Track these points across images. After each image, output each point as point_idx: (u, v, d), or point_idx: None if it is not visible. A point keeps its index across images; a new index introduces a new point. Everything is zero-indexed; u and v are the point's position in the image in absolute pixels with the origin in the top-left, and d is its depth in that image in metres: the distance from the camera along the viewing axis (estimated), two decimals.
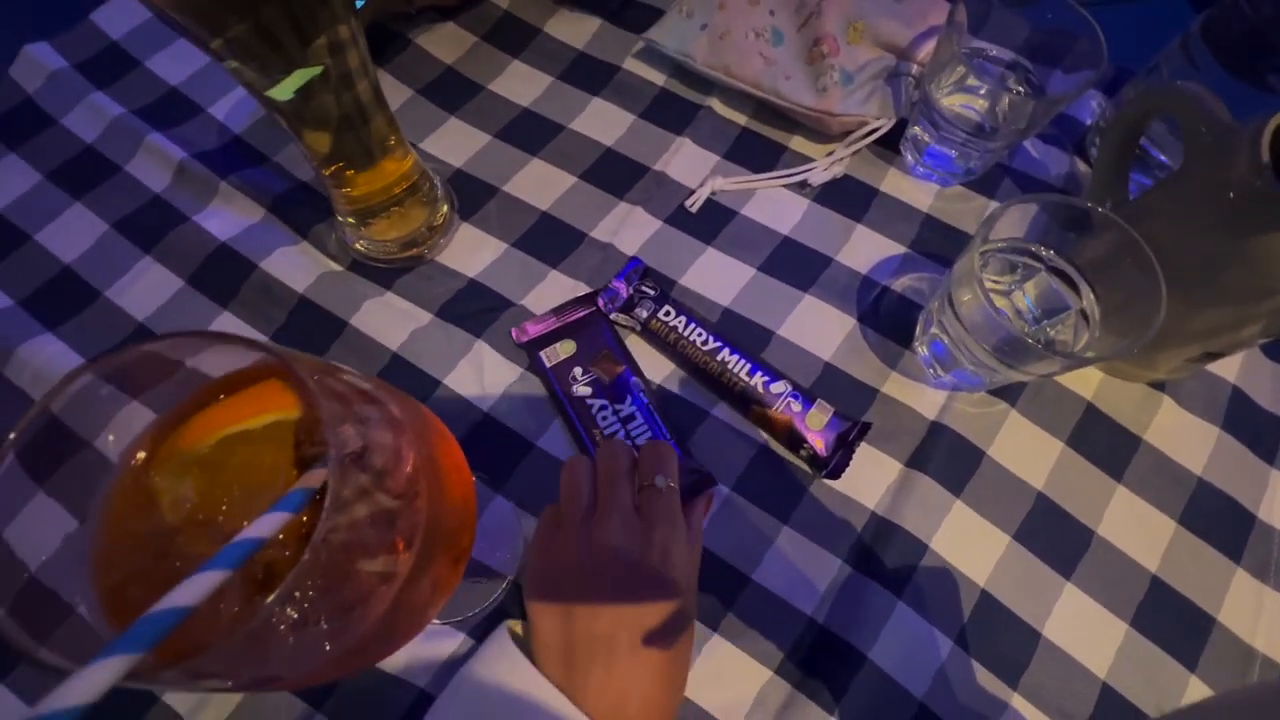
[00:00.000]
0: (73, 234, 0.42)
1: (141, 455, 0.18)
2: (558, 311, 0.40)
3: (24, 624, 0.15)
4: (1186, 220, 0.34)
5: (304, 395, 0.15)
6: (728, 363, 0.38)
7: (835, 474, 0.36)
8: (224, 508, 0.19)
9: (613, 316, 0.40)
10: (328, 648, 0.17)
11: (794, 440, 0.37)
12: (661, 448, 0.33)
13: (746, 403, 0.38)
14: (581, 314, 0.40)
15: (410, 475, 0.18)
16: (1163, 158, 0.43)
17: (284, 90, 0.29)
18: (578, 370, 0.38)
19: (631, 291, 0.40)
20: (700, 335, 0.39)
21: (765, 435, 0.38)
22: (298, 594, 0.16)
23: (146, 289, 0.40)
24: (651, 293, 0.40)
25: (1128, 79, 0.47)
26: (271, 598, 0.14)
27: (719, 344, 0.39)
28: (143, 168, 0.44)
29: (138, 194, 0.43)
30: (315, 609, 0.17)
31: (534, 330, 0.39)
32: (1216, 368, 0.41)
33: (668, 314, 0.40)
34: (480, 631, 0.33)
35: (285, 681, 0.18)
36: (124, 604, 0.17)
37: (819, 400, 0.38)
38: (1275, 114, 0.30)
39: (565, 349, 0.39)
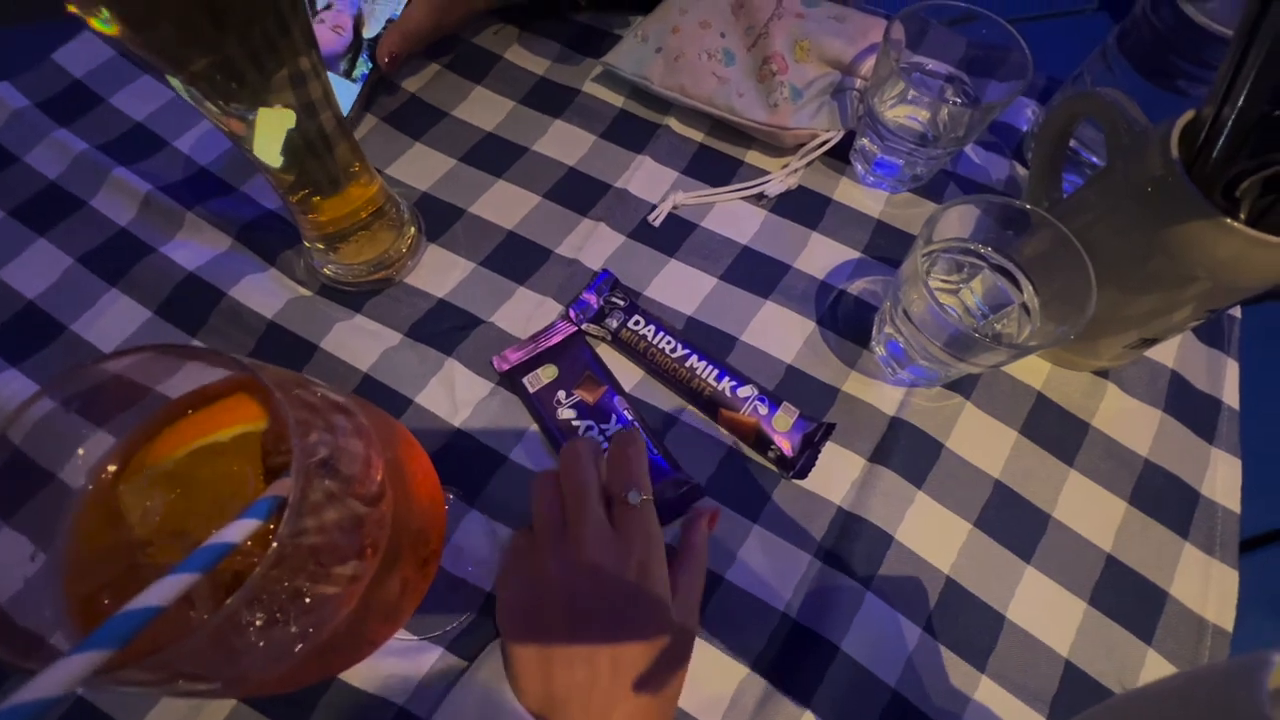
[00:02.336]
0: (37, 269, 0.42)
1: (111, 469, 0.19)
2: (536, 338, 0.41)
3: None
4: (1114, 214, 0.36)
5: (269, 402, 0.16)
6: (696, 369, 0.39)
7: (802, 474, 0.38)
8: (194, 519, 0.19)
9: (584, 327, 0.41)
10: (297, 648, 0.18)
11: (761, 442, 0.38)
12: (627, 455, 0.32)
13: (715, 407, 0.39)
14: (559, 338, 0.41)
15: (376, 478, 0.19)
16: (1092, 158, 0.46)
17: (268, 151, 0.30)
18: (561, 394, 0.39)
19: (602, 303, 0.42)
20: (669, 343, 0.40)
21: (733, 438, 0.39)
22: (264, 595, 0.16)
23: (113, 321, 0.40)
24: (621, 303, 0.42)
25: (1057, 87, 0.50)
26: (235, 596, 0.15)
27: (687, 351, 0.40)
28: (108, 202, 0.44)
29: (103, 228, 0.43)
30: (283, 609, 0.17)
31: (515, 358, 0.40)
32: (1155, 354, 0.43)
33: (637, 323, 0.41)
34: (458, 645, 0.33)
35: (255, 683, 0.18)
36: (95, 615, 0.18)
37: (784, 403, 0.39)
38: (1182, 115, 0.33)
39: (547, 374, 0.40)
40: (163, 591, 0.14)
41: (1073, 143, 0.45)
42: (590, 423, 0.38)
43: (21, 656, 0.17)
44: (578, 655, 0.28)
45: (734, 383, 0.39)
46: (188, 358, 0.17)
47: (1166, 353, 0.43)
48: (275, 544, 0.15)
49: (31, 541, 0.19)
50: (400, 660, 0.33)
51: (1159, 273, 0.35)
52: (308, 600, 0.18)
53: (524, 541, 0.32)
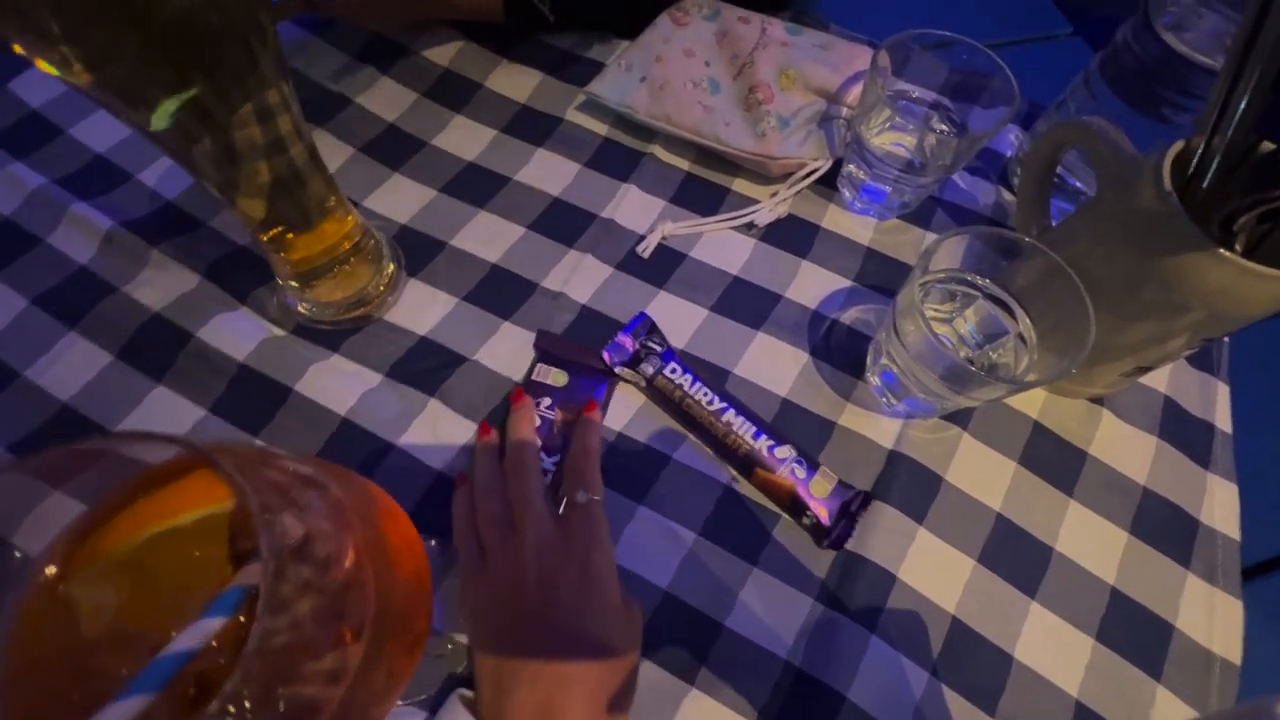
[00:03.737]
0: None
1: (54, 564, 0.17)
2: (583, 346, 0.40)
3: None
4: (1105, 243, 0.36)
5: (232, 487, 0.14)
6: (733, 424, 0.38)
7: (838, 544, 0.36)
8: (153, 615, 0.17)
9: (618, 370, 0.39)
10: None
11: (796, 507, 0.36)
12: (585, 450, 0.34)
13: (750, 466, 0.37)
14: (595, 363, 0.39)
15: (355, 561, 0.17)
16: (1079, 184, 0.46)
17: (159, 119, 0.27)
18: (547, 400, 0.38)
19: (638, 346, 0.40)
20: (706, 395, 0.38)
21: (765, 498, 0.38)
22: (233, 709, 0.15)
23: (71, 367, 0.38)
24: (658, 349, 0.40)
25: (1039, 113, 0.50)
26: (205, 715, 0.13)
27: (724, 405, 0.38)
28: (66, 239, 0.42)
29: (61, 266, 0.41)
30: (257, 718, 0.15)
31: (554, 344, 0.40)
32: (1148, 380, 0.43)
33: (674, 371, 0.39)
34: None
35: None
36: None
37: (823, 468, 0.37)
38: (1173, 145, 0.33)
39: (557, 378, 0.39)
40: None
41: (1059, 169, 0.45)
42: (539, 451, 0.37)
43: None
44: (525, 667, 0.28)
45: (771, 442, 0.37)
46: (137, 442, 0.16)
47: (1159, 378, 0.43)
48: (247, 652, 0.14)
49: None
50: None
51: (1153, 302, 0.35)
52: (284, 708, 0.16)
53: (473, 552, 0.32)
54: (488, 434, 0.37)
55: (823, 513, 0.36)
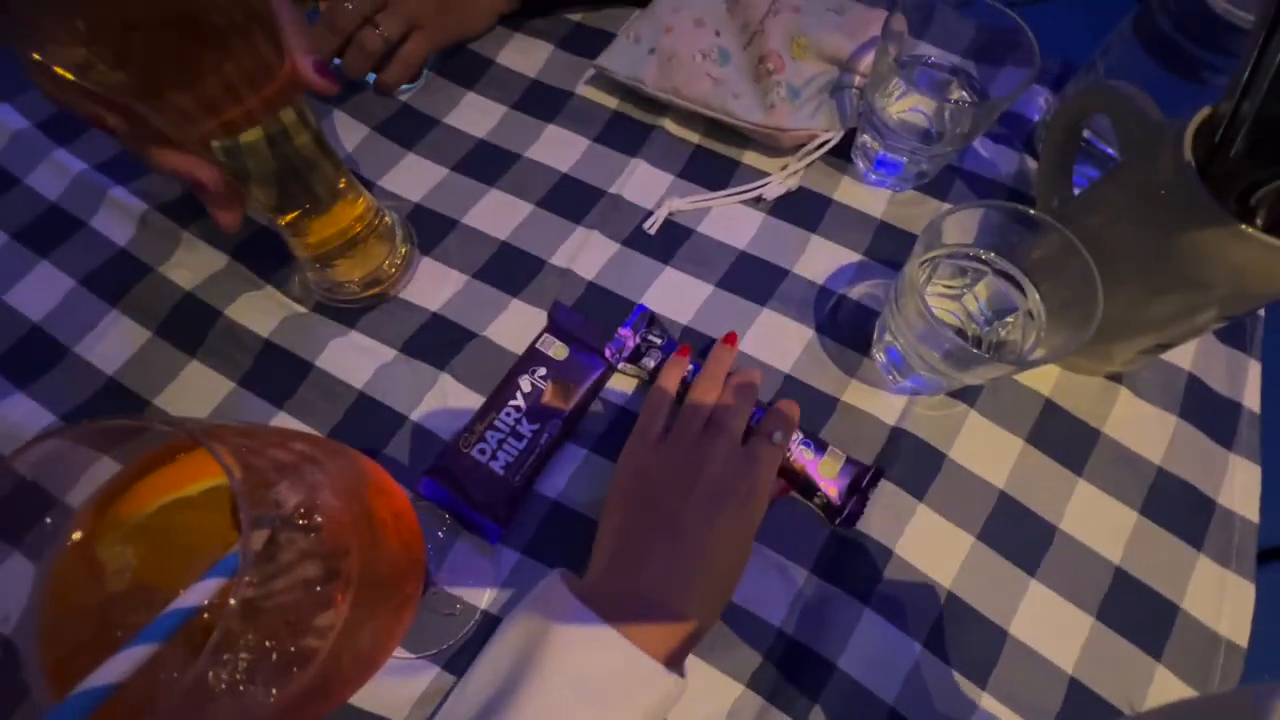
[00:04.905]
0: (40, 292, 0.42)
1: (81, 528, 0.19)
2: (594, 326, 0.41)
3: None
4: (1127, 214, 0.35)
5: (221, 465, 0.16)
6: None
7: (850, 522, 0.36)
8: (168, 574, 0.19)
9: (621, 368, 0.40)
10: (269, 703, 0.18)
11: (808, 488, 0.37)
12: (789, 412, 0.36)
13: None
14: (601, 347, 0.40)
15: (340, 531, 0.19)
16: (1108, 150, 0.44)
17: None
18: (542, 371, 0.39)
19: (639, 340, 0.40)
20: None
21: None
22: (228, 656, 0.16)
23: (115, 342, 0.41)
24: (658, 341, 0.40)
25: (1072, 74, 0.48)
26: (197, 664, 0.15)
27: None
28: (106, 222, 0.44)
29: (102, 249, 0.44)
30: (250, 668, 0.17)
31: (565, 318, 0.41)
32: (1171, 356, 0.41)
33: None
34: (454, 663, 0.34)
35: None
36: (72, 675, 0.18)
37: (830, 447, 0.37)
38: (1197, 113, 0.31)
39: (558, 351, 0.40)
40: (117, 667, 0.14)
41: (1087, 133, 0.43)
42: (520, 408, 0.38)
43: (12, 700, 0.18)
44: (661, 528, 0.31)
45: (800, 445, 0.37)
46: (145, 429, 0.17)
47: (1183, 355, 0.42)
48: (229, 607, 0.15)
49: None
50: (398, 678, 0.34)
51: (1174, 277, 0.34)
52: (275, 657, 0.18)
53: (658, 424, 0.36)
54: (684, 354, 0.39)
55: (833, 491, 0.36)
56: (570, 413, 0.38)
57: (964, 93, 0.44)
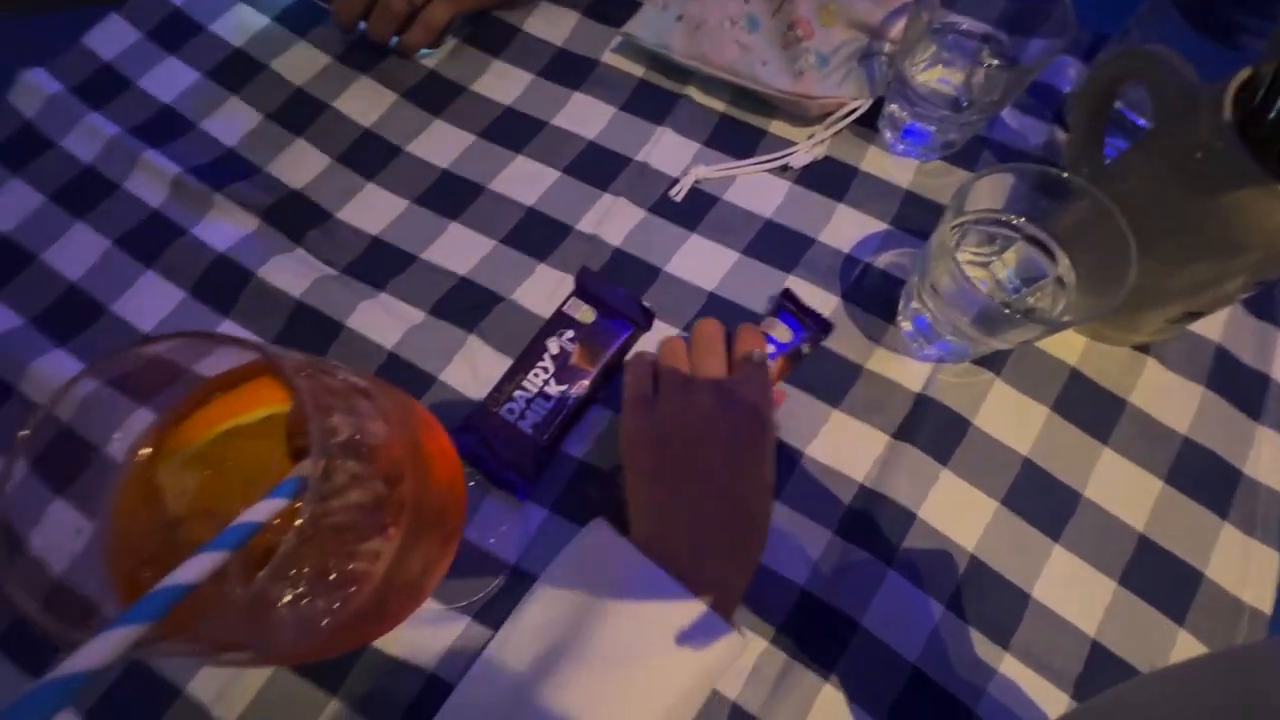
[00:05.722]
0: (77, 252, 0.43)
1: (145, 451, 0.19)
2: (620, 290, 0.41)
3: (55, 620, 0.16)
4: (1160, 181, 0.34)
5: (289, 389, 0.16)
6: None
7: (827, 329, 0.41)
8: (225, 498, 0.20)
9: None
10: (324, 622, 0.19)
11: (794, 358, 0.39)
12: (746, 331, 0.37)
13: None
14: (630, 314, 0.40)
15: (394, 459, 0.19)
16: (1139, 120, 0.44)
17: None
18: (569, 334, 0.39)
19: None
20: None
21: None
22: (290, 572, 0.17)
23: (150, 302, 0.42)
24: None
25: (1104, 44, 0.47)
26: (262, 573, 0.16)
27: None
28: (140, 184, 0.45)
29: (137, 210, 0.44)
30: (309, 585, 0.18)
31: (592, 283, 0.41)
32: (1199, 327, 0.41)
33: None
34: (485, 614, 0.34)
35: (286, 655, 0.19)
36: (137, 589, 0.19)
37: (765, 333, 0.39)
38: (1237, 74, 0.31)
39: (585, 314, 0.40)
40: (194, 569, 0.15)
41: (1118, 103, 0.43)
42: (550, 370, 0.39)
43: (74, 627, 0.18)
44: (687, 483, 0.32)
45: None
46: (216, 344, 0.18)
47: (1212, 326, 0.41)
48: (298, 524, 0.16)
49: (79, 514, 0.20)
50: (430, 628, 0.34)
51: (1207, 242, 0.34)
52: (333, 577, 0.18)
53: (640, 388, 0.35)
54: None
55: (789, 336, 0.40)
56: (596, 375, 0.39)
57: (995, 61, 0.44)
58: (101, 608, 0.19)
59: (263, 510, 0.17)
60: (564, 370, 0.39)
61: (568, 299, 0.41)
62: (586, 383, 0.38)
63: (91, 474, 0.20)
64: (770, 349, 0.39)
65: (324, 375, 0.19)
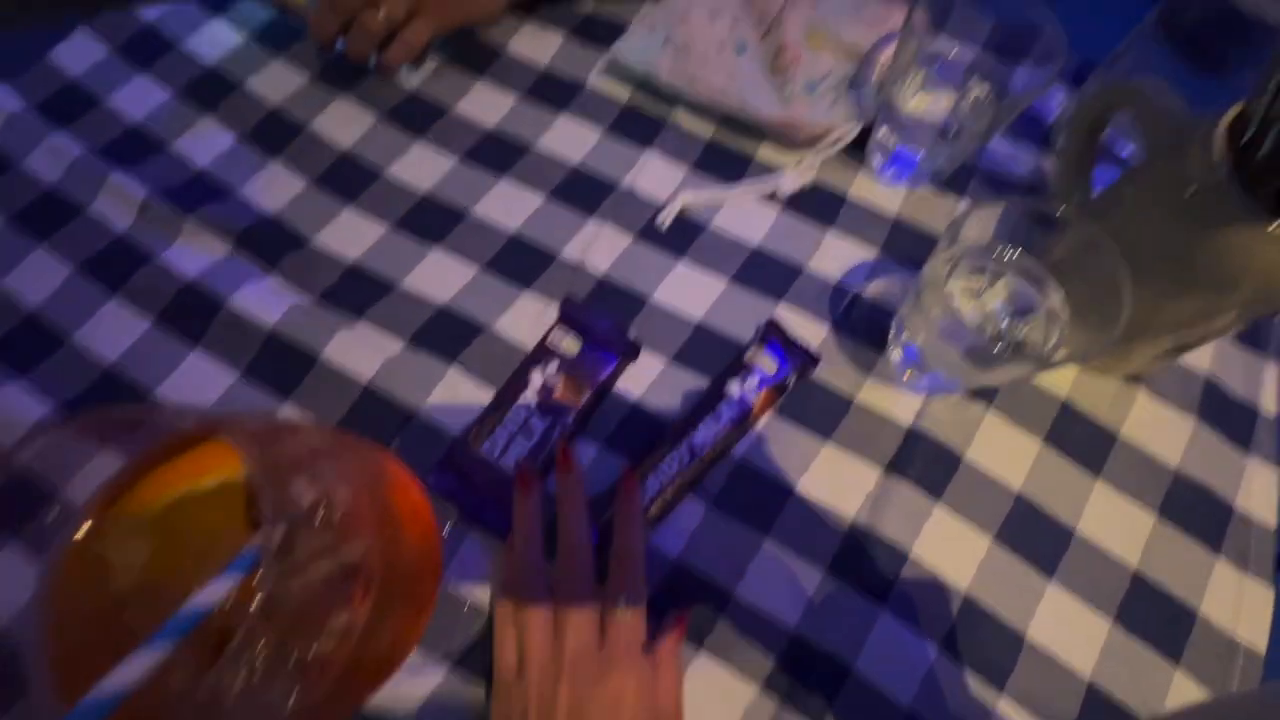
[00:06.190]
0: (37, 278, 0.41)
1: (88, 522, 0.18)
2: (606, 320, 0.40)
3: None
4: (1150, 214, 0.34)
5: (243, 458, 0.15)
6: (705, 442, 0.37)
7: (814, 361, 0.40)
8: (178, 570, 0.18)
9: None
10: (287, 709, 0.17)
11: (781, 390, 0.39)
12: (622, 560, 0.32)
13: (740, 428, 0.38)
14: (616, 344, 0.39)
15: (360, 527, 0.18)
16: (1127, 151, 0.44)
17: None
18: (553, 366, 0.38)
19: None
20: (677, 462, 0.37)
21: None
22: (247, 658, 0.16)
23: (114, 331, 0.40)
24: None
25: (1092, 70, 0.47)
26: (216, 666, 0.14)
27: (684, 448, 0.37)
28: (106, 207, 0.43)
29: (102, 234, 0.42)
30: (269, 671, 0.16)
31: (576, 312, 0.40)
32: (1189, 359, 0.41)
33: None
34: (460, 665, 0.33)
35: None
36: (78, 676, 0.17)
37: (751, 365, 0.39)
38: (1229, 109, 0.30)
39: (569, 346, 0.39)
40: (130, 671, 0.13)
41: (1108, 129, 0.43)
42: (530, 412, 0.37)
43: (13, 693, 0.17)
44: None
45: (723, 403, 0.38)
46: (157, 414, 0.16)
47: (1201, 357, 0.41)
48: (254, 606, 0.14)
49: (24, 562, 0.19)
50: (406, 677, 0.33)
51: (1197, 278, 0.33)
52: (294, 659, 0.17)
53: (511, 656, 0.31)
54: (527, 490, 0.34)
55: (774, 367, 0.39)
56: (582, 408, 0.38)
57: (984, 88, 0.44)
58: (33, 683, 0.17)
59: (213, 592, 0.16)
60: (547, 404, 0.38)
61: (551, 329, 0.40)
62: (570, 418, 0.37)
63: (40, 520, 0.19)
64: (640, 598, 0.33)
65: (284, 438, 0.18)
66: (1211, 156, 0.30)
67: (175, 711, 0.14)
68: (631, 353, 0.39)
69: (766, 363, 0.39)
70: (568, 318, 0.40)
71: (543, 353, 0.39)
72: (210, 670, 0.14)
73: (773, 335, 0.40)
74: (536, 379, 0.38)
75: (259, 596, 0.14)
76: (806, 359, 0.39)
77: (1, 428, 0.37)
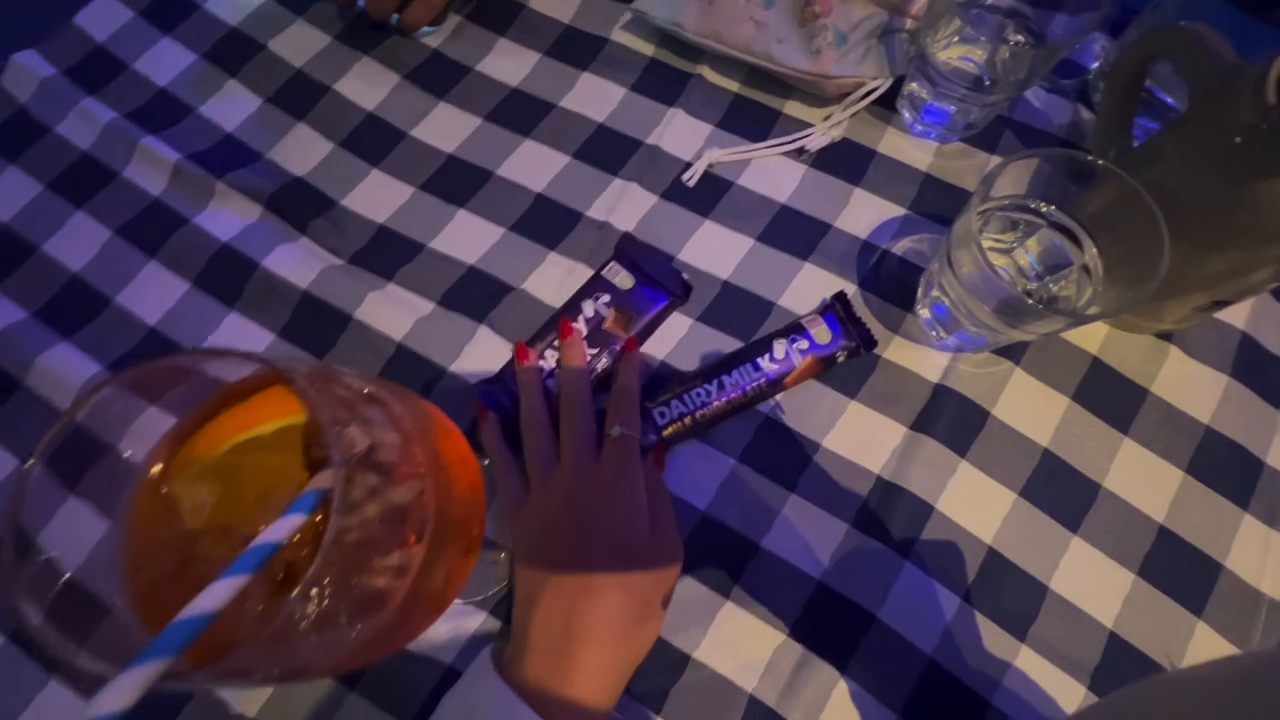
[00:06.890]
0: (78, 242, 0.42)
1: (158, 465, 0.19)
2: (663, 265, 0.40)
3: (63, 627, 0.16)
4: (1192, 165, 0.33)
5: (305, 402, 0.16)
6: (742, 383, 0.37)
7: (870, 344, 0.39)
8: (241, 512, 0.19)
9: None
10: (351, 638, 0.18)
11: (827, 362, 0.38)
12: (618, 395, 0.36)
13: (776, 387, 0.38)
14: (669, 284, 0.40)
15: (415, 471, 0.19)
16: (1169, 100, 0.42)
17: None
18: (606, 298, 0.39)
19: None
20: (704, 394, 0.37)
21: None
22: (316, 591, 0.17)
23: (154, 293, 0.41)
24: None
25: (1132, 18, 0.45)
26: (292, 596, 0.15)
27: (718, 385, 0.37)
28: (139, 172, 0.44)
29: (137, 199, 0.43)
30: (335, 603, 0.17)
31: (632, 248, 0.41)
32: (1225, 315, 0.40)
33: (667, 410, 0.37)
34: (499, 609, 0.34)
35: (312, 672, 0.19)
36: (155, 606, 0.18)
37: (804, 328, 0.39)
38: (1279, 54, 0.29)
39: (624, 280, 0.40)
40: (216, 595, 0.14)
41: (1148, 82, 0.41)
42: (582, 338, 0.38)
43: (90, 625, 0.18)
44: (551, 577, 0.30)
45: (766, 355, 0.38)
46: (219, 358, 0.17)
47: (1238, 313, 0.41)
48: (322, 550, 0.15)
49: (92, 512, 0.20)
50: (446, 623, 0.34)
51: (1240, 230, 0.32)
52: (358, 593, 0.18)
53: (517, 485, 0.35)
54: (526, 358, 0.38)
55: (828, 338, 0.38)
56: (632, 344, 0.39)
57: (1020, 37, 0.42)
58: (114, 610, 0.18)
59: (283, 528, 0.17)
60: (596, 334, 0.38)
61: (607, 263, 0.41)
62: (617, 349, 0.38)
63: (102, 471, 0.20)
64: (634, 427, 0.35)
65: (338, 385, 0.19)
66: (1263, 103, 0.29)
67: (254, 636, 0.15)
68: (684, 294, 0.40)
69: (820, 332, 0.38)
70: (624, 254, 0.41)
71: (596, 284, 0.40)
72: (286, 599, 0.15)
73: (835, 308, 0.39)
74: (588, 309, 0.39)
75: (329, 531, 0.15)
76: (861, 341, 0.38)
77: (54, 385, 0.38)
